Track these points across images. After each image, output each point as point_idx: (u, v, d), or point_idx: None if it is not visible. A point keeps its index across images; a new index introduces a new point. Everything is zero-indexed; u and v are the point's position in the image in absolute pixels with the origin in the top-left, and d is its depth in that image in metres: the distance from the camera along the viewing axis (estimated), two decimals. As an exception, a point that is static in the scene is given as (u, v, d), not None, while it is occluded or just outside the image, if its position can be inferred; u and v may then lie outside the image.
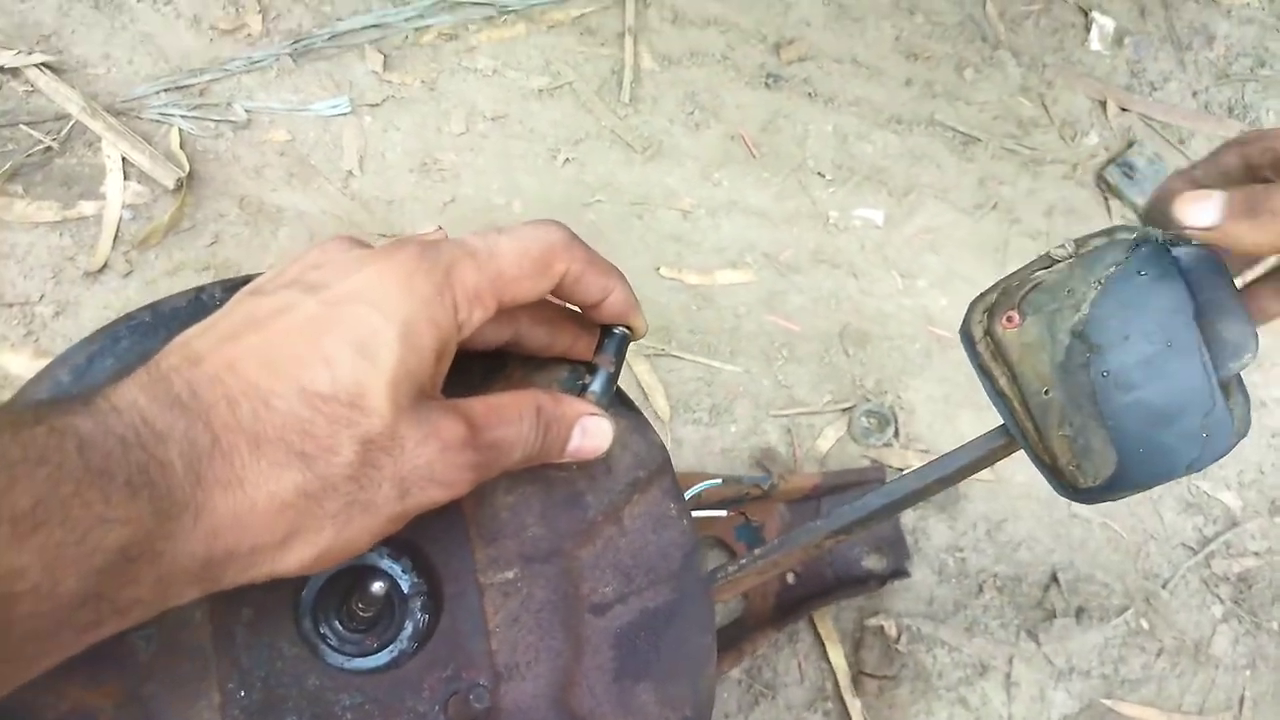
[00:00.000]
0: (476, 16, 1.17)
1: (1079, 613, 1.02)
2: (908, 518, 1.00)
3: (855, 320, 1.11)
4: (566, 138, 1.13)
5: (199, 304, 0.46)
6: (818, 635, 0.94)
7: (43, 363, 0.91)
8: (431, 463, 0.34)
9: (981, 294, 0.47)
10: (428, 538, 0.42)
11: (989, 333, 0.46)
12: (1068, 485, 0.45)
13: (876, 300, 1.12)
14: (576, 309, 0.44)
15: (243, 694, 0.38)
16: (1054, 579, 1.04)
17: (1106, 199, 1.29)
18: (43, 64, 1.04)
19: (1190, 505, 1.11)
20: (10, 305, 0.92)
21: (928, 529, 1.03)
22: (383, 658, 0.42)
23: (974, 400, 1.09)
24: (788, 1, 1.30)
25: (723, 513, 0.83)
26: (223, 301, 0.38)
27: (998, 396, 0.48)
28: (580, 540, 0.44)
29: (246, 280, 0.41)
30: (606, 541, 0.44)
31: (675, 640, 0.43)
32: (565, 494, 0.45)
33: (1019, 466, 1.07)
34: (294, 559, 0.33)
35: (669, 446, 0.97)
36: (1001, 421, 0.48)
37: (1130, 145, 1.31)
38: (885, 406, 1.05)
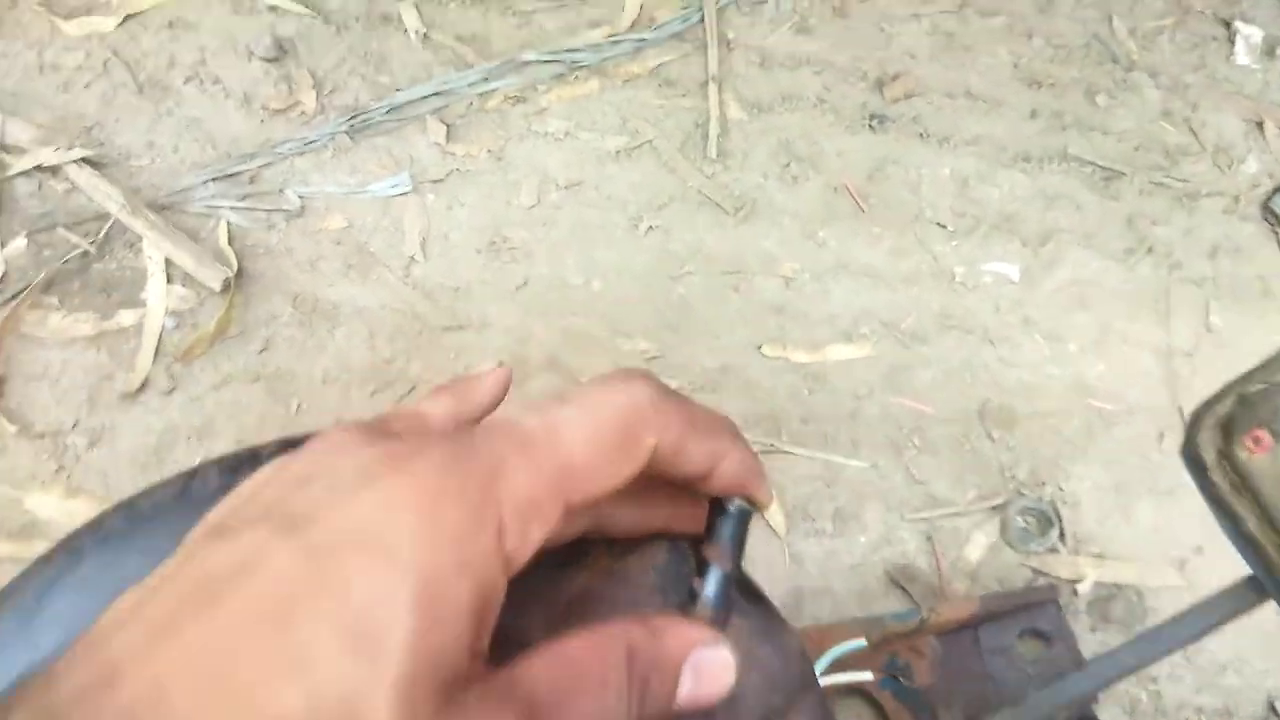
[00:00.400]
0: (545, 75, 1.10)
1: None
2: (1086, 641, 0.82)
3: (997, 395, 0.97)
4: (648, 203, 1.04)
5: (188, 498, 0.36)
6: None
7: (74, 505, 0.85)
8: None
9: (1208, 401, 0.40)
10: None
11: (1226, 457, 0.39)
12: None
13: (1020, 370, 0.99)
14: None
15: None
16: (1272, 709, 0.85)
17: (1277, 233, 1.14)
18: (83, 159, 0.98)
19: None
20: (41, 436, 0.84)
21: None
22: None
23: (1154, 485, 0.93)
24: (889, 33, 1.17)
25: (868, 676, 0.67)
26: (219, 491, 0.29)
27: (1244, 541, 0.40)
28: None
29: (252, 457, 0.34)
30: None
31: None
32: None
33: (1216, 564, 0.91)
34: None
35: (785, 564, 0.83)
36: (1249, 571, 0.41)
37: (1304, 169, 1.18)
38: (1044, 501, 0.90)
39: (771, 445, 0.92)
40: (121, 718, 0.22)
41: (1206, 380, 0.98)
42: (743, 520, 0.36)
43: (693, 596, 0.34)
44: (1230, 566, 0.41)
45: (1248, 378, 0.41)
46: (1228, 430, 0.40)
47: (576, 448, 0.29)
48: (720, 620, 0.34)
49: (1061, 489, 0.91)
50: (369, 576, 0.24)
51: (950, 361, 0.98)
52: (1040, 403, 0.96)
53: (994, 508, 0.90)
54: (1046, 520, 0.88)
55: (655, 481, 0.35)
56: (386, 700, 0.23)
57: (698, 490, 0.35)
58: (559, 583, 0.36)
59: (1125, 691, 0.84)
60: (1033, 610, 0.78)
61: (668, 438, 0.31)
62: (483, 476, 0.27)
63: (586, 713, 0.28)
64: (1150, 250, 1.08)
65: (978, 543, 0.87)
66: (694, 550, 0.36)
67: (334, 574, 0.24)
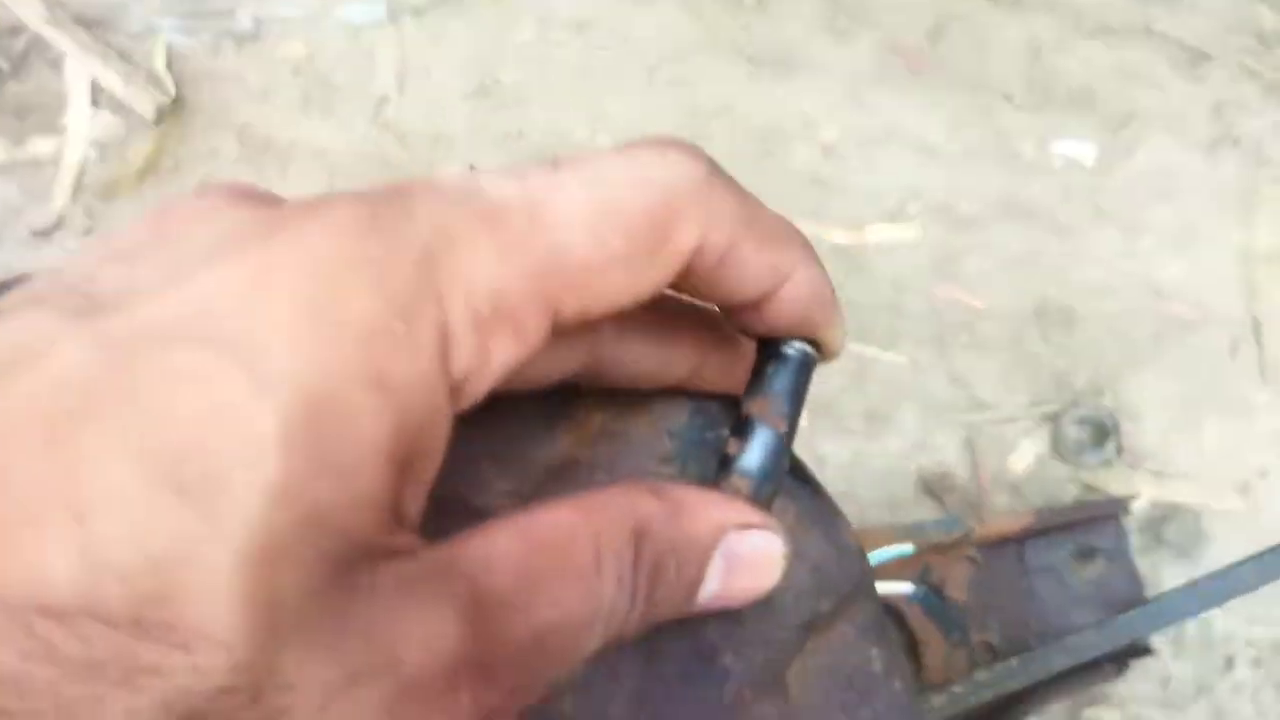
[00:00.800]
0: (559, -107, 0.97)
1: None
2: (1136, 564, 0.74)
3: (1059, 293, 0.89)
4: (671, 51, 0.95)
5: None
6: None
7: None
8: None
9: None
10: None
11: None
12: None
13: (1086, 266, 0.90)
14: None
15: None
16: None
17: None
18: (4, -40, 0.89)
19: None
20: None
21: (1160, 581, 0.81)
22: None
23: (1223, 403, 0.86)
24: None
25: (907, 589, 0.59)
26: None
27: None
28: None
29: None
30: None
31: None
32: (684, 654, 0.28)
33: (1277, 488, 0.84)
34: None
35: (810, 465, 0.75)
36: None
37: None
38: (1103, 411, 0.82)
39: (799, 332, 0.83)
40: None
41: (1289, 290, 0.89)
42: (805, 368, 0.28)
43: (725, 464, 0.27)
44: None
45: None
46: None
47: (574, 234, 0.20)
48: (765, 499, 0.27)
49: (1121, 399, 0.84)
50: (202, 382, 0.16)
51: (1008, 251, 0.90)
52: (1106, 303, 0.88)
53: (1046, 415, 0.82)
54: (1103, 431, 0.80)
55: (683, 308, 0.28)
56: (226, 575, 0.15)
57: (746, 325, 0.26)
58: (535, 444, 0.29)
59: (1177, 625, 0.77)
60: (1090, 527, 0.69)
61: (715, 237, 0.22)
62: (417, 251, 0.18)
63: (568, 608, 0.20)
64: (1237, 143, 0.99)
65: (1025, 452, 0.80)
66: (726, 413, 0.29)
67: (142, 376, 0.16)
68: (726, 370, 0.28)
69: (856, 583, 0.30)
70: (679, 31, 0.96)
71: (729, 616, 0.28)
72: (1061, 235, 0.90)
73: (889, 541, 0.58)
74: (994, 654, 0.68)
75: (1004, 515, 0.68)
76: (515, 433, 0.29)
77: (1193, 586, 0.39)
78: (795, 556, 0.29)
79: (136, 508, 0.15)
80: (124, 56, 0.89)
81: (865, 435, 0.80)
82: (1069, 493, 0.80)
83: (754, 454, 0.26)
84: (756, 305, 0.25)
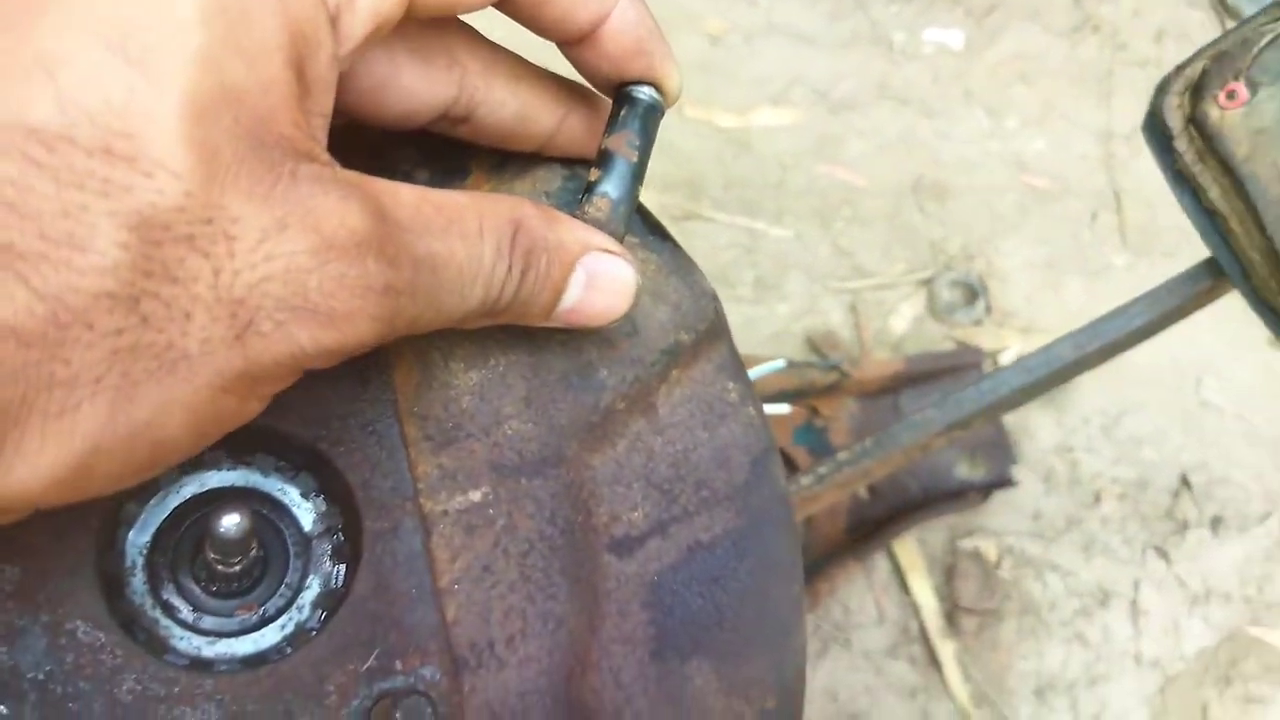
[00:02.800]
0: None
1: (1215, 523, 0.85)
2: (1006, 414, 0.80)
3: (931, 170, 0.93)
4: None
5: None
6: (898, 564, 0.77)
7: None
8: (296, 273, 0.21)
9: (1179, 66, 0.38)
10: (334, 437, 0.30)
11: (1194, 121, 0.36)
12: None
13: (957, 144, 0.94)
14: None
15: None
16: (1184, 482, 0.86)
17: (1223, 21, 1.09)
18: None
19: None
20: None
21: (1030, 426, 0.85)
22: (264, 639, 0.29)
23: (1084, 265, 0.91)
24: None
25: (785, 408, 0.63)
26: None
27: (1206, 215, 0.37)
28: (591, 440, 0.32)
29: None
30: (632, 442, 0.32)
31: (746, 591, 0.32)
32: (565, 367, 0.32)
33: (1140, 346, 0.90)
34: (27, 474, 0.20)
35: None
36: (1207, 254, 0.39)
37: (1261, -52, 1.12)
38: (973, 275, 0.88)
39: (691, 211, 0.85)
40: None
41: (1143, 164, 0.95)
42: (652, 110, 0.31)
43: (589, 189, 0.30)
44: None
45: (1224, 38, 0.38)
46: (1198, 91, 0.36)
47: None
48: (621, 221, 0.31)
49: (990, 264, 0.88)
50: None
51: (885, 133, 0.93)
52: (976, 177, 0.92)
53: (922, 281, 0.86)
54: (973, 293, 0.85)
55: (545, 72, 0.31)
56: (173, 121, 0.20)
57: (589, 66, 0.30)
58: None
59: (1041, 460, 0.83)
60: (957, 375, 0.74)
61: None
62: None
63: (455, 250, 0.24)
64: (1096, 29, 1.04)
65: (903, 314, 0.85)
66: (595, 166, 0.31)
67: None
68: (590, 131, 0.32)
69: (711, 323, 0.34)
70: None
71: (603, 338, 0.32)
72: (934, 116, 0.94)
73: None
74: (871, 491, 0.74)
75: (877, 360, 0.73)
76: (412, 179, 0.32)
77: (1014, 365, 0.44)
78: (656, 295, 0.33)
79: (95, 68, 0.19)
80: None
81: (756, 302, 0.83)
82: (944, 348, 0.84)
83: (612, 180, 0.30)
84: (589, 38, 0.28)
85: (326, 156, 0.23)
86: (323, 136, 0.23)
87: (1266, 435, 0.90)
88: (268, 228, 0.21)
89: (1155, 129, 0.37)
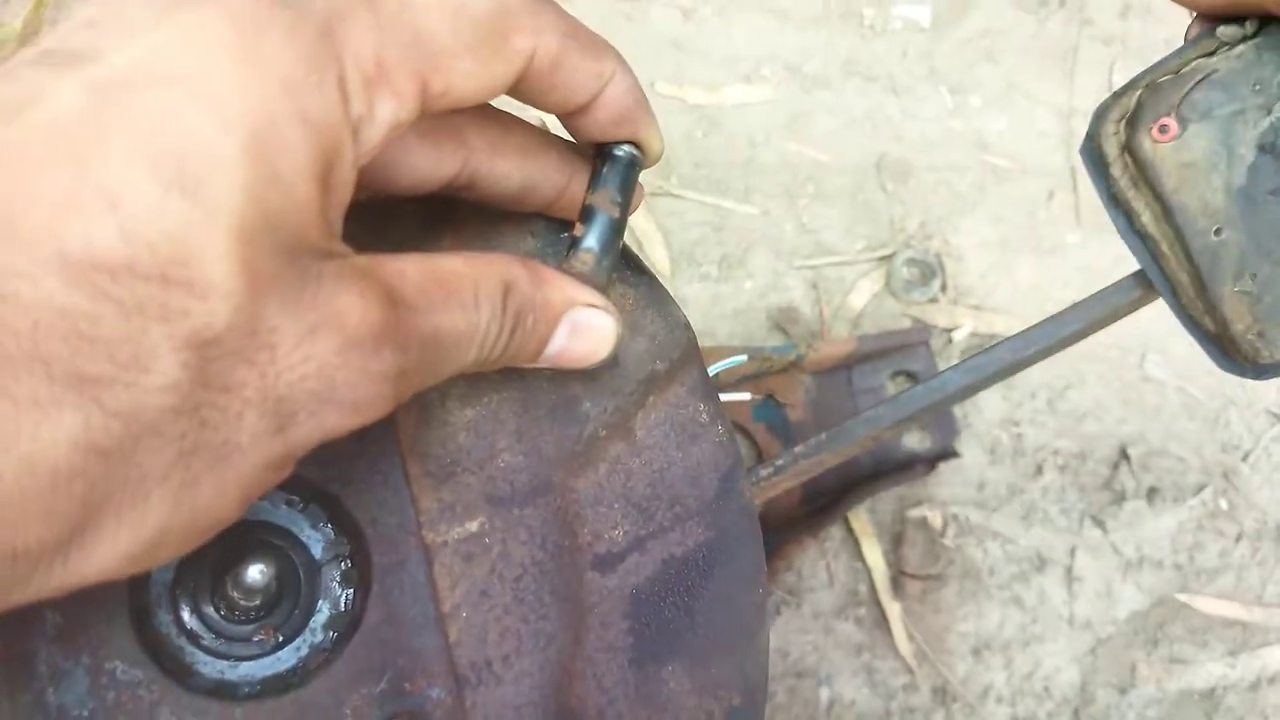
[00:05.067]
0: None
1: (1151, 493, 0.89)
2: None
3: (895, 148, 0.94)
4: None
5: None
6: (850, 531, 0.81)
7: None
8: (326, 370, 0.24)
9: (1116, 94, 0.39)
10: (344, 478, 0.33)
11: (1129, 149, 0.38)
12: (1242, 360, 0.37)
13: (921, 123, 0.95)
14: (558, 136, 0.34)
15: None
16: (1123, 455, 0.89)
17: None
18: None
19: None
20: None
21: (977, 400, 0.88)
22: (281, 660, 0.32)
23: (1037, 244, 0.93)
24: None
25: (745, 396, 0.66)
26: None
27: (1138, 237, 0.39)
28: (575, 467, 0.35)
29: None
30: (613, 465, 0.35)
31: (715, 599, 0.34)
32: (553, 400, 0.35)
33: None
34: (105, 556, 0.23)
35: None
36: (1137, 266, 0.40)
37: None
38: (930, 254, 0.89)
39: (661, 188, 0.87)
40: None
41: (1102, 142, 0.97)
42: (631, 168, 0.33)
43: (574, 244, 0.32)
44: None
45: (1158, 67, 0.39)
46: (1133, 121, 0.38)
47: (434, 21, 0.26)
48: (604, 273, 0.33)
49: (948, 243, 0.90)
50: (179, 115, 0.22)
51: (852, 111, 0.93)
52: (937, 156, 0.94)
53: (881, 258, 0.88)
54: (930, 271, 0.88)
55: (536, 138, 0.33)
56: (222, 248, 0.22)
57: (581, 130, 0.32)
58: (423, 244, 0.35)
59: (987, 433, 0.86)
60: (906, 352, 0.78)
61: (546, 45, 0.28)
62: (317, 20, 0.24)
63: (455, 322, 0.27)
64: (1063, 4, 1.04)
65: (862, 291, 0.87)
66: (579, 221, 0.34)
67: (133, 109, 0.22)
68: (581, 187, 0.34)
69: (684, 350, 0.36)
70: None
71: (587, 374, 0.35)
72: (899, 94, 0.94)
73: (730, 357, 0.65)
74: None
75: (830, 341, 0.76)
76: (406, 236, 0.35)
77: (958, 366, 0.47)
78: (635, 329, 0.36)
79: (152, 200, 0.21)
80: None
81: (721, 279, 0.85)
82: (901, 325, 0.87)
83: (595, 234, 0.33)
84: (585, 110, 0.31)
85: (343, 247, 0.25)
86: (339, 225, 0.26)
87: (1207, 408, 0.94)
88: (301, 334, 0.23)
89: (1092, 153, 0.39)
